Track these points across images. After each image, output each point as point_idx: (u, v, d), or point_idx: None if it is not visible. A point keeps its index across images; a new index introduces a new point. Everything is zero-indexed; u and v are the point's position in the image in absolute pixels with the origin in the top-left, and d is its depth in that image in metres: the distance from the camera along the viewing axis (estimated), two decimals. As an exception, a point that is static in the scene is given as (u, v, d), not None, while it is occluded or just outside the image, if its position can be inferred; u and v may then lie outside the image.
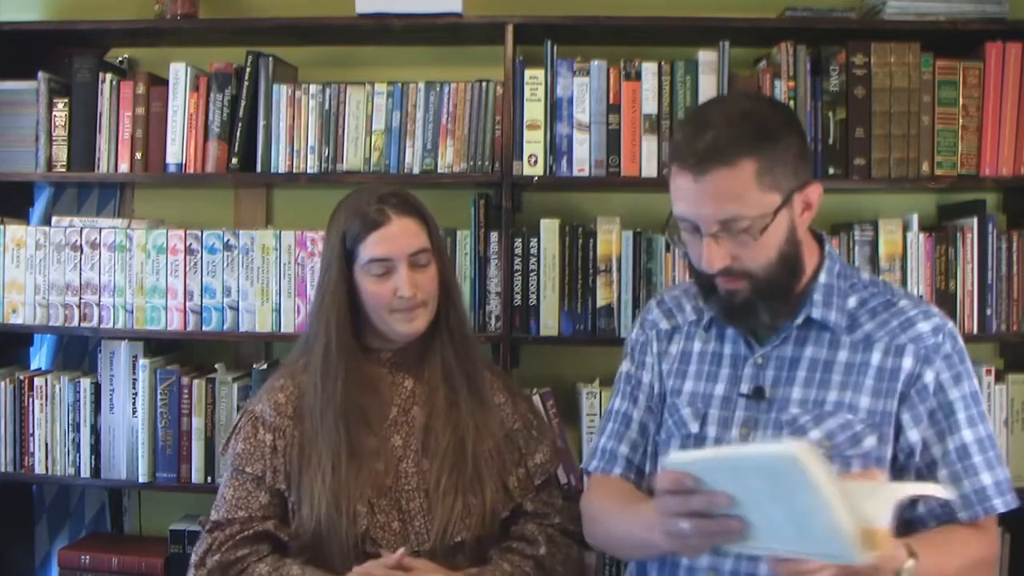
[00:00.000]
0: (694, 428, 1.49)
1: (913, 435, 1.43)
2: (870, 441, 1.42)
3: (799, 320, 1.46)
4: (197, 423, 2.43)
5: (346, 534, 1.68)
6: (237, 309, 2.44)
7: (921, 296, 2.30)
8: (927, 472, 1.43)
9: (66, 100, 2.49)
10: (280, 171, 2.44)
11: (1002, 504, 1.41)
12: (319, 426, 1.74)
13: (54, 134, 2.49)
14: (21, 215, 2.65)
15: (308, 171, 2.43)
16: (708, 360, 1.54)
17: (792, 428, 1.41)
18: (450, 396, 1.79)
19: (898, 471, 1.44)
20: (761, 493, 1.13)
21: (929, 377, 1.42)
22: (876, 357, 1.43)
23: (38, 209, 2.71)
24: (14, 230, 2.50)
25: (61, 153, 2.50)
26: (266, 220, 2.66)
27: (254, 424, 1.79)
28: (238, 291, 2.43)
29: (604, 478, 1.62)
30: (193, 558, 1.75)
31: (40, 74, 2.49)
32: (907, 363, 1.42)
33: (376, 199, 1.79)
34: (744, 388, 1.47)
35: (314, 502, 1.69)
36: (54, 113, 2.49)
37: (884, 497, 1.15)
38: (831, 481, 1.07)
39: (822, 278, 1.47)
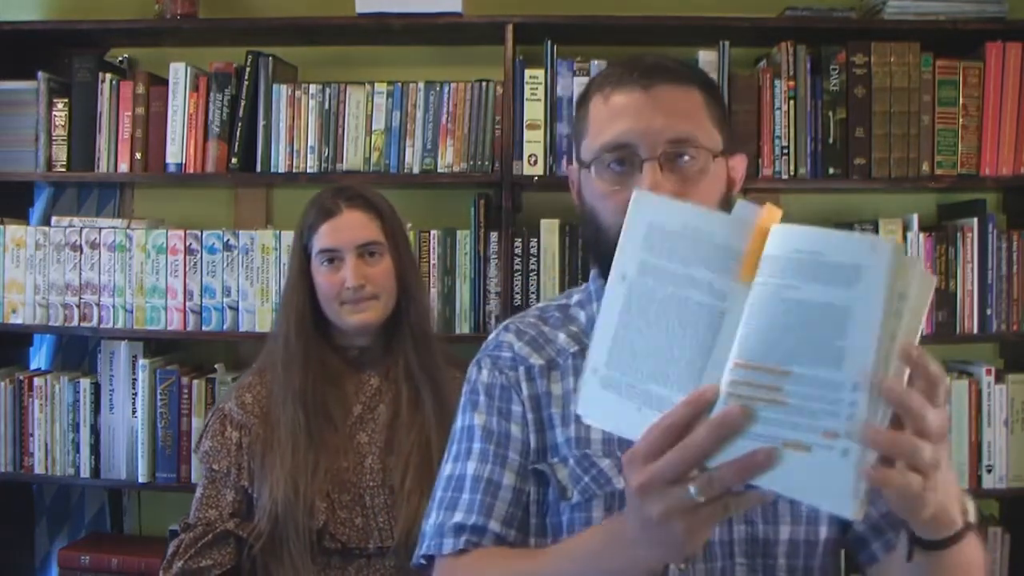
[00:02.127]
0: (620, 484, 1.18)
1: None
2: None
3: None
4: (197, 423, 2.42)
5: (302, 523, 1.68)
6: (237, 309, 2.43)
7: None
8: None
9: (66, 100, 2.49)
10: (280, 171, 2.45)
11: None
12: (281, 413, 1.76)
13: (54, 134, 2.49)
14: (21, 215, 2.65)
15: (308, 171, 2.44)
16: None
17: None
18: (412, 395, 1.80)
19: None
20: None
21: None
22: None
23: (38, 209, 2.71)
24: (14, 230, 2.50)
25: (61, 153, 2.49)
26: (266, 220, 2.66)
27: (222, 422, 1.81)
28: (238, 291, 2.43)
29: (471, 553, 1.18)
30: (165, 558, 1.76)
31: (40, 74, 2.49)
32: None
33: (333, 193, 1.84)
34: None
35: (273, 485, 1.70)
36: (54, 113, 2.49)
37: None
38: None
39: None
